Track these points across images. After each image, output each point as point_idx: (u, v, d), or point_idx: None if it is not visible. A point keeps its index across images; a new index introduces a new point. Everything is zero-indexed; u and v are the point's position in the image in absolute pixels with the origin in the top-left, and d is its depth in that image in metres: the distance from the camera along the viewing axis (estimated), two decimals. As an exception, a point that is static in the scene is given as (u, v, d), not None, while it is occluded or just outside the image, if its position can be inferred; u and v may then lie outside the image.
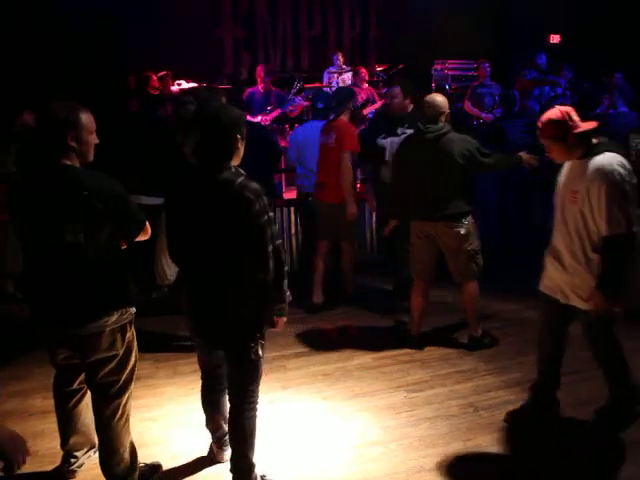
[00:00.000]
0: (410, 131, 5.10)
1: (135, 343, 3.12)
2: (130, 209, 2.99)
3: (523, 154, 4.69)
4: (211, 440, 3.47)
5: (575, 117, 3.35)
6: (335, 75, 9.55)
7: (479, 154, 4.49)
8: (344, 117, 5.51)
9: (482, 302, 4.94)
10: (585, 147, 3.36)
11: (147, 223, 3.09)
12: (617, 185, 3.21)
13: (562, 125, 3.33)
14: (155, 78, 8.02)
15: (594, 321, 3.43)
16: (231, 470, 3.15)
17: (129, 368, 3.09)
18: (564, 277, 3.51)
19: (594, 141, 3.38)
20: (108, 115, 5.47)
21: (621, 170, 3.23)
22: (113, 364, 3.01)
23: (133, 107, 7.49)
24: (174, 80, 8.53)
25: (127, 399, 3.12)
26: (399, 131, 5.37)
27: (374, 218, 6.93)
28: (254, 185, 2.83)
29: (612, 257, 3.29)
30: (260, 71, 8.26)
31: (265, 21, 11.17)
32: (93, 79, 7.62)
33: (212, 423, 3.40)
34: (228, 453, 3.40)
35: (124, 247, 3.05)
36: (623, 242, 3.26)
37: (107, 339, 2.94)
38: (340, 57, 9.77)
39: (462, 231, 4.55)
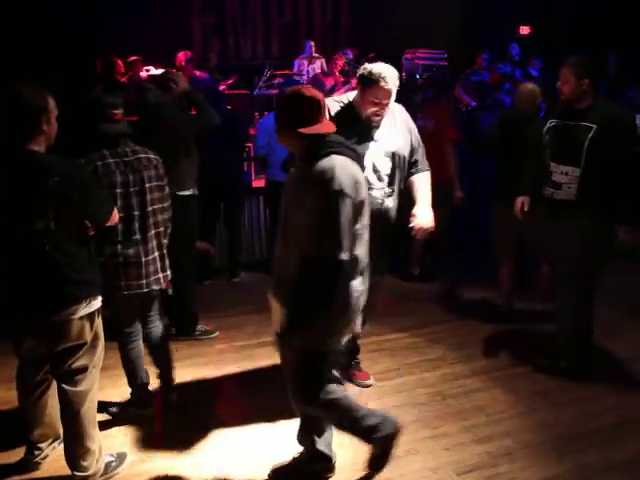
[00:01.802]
0: None
1: (102, 332, 3.10)
2: (98, 194, 3.00)
3: None
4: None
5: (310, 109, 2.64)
6: (305, 63, 9.49)
7: None
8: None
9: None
10: (309, 149, 2.71)
11: (115, 209, 3.12)
12: (333, 197, 2.58)
13: (284, 110, 2.73)
14: (121, 63, 7.89)
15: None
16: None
17: (96, 357, 3.07)
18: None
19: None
20: (72, 101, 5.40)
21: (342, 179, 2.60)
22: (80, 353, 2.99)
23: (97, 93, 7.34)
24: (143, 66, 8.41)
25: (94, 389, 3.10)
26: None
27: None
28: None
29: (304, 286, 2.65)
30: (180, 58, 7.98)
31: (235, 7, 11.05)
32: (61, 66, 7.47)
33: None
34: None
35: (92, 234, 3.02)
36: (325, 268, 2.61)
37: (76, 327, 2.92)
38: (313, 45, 9.71)
39: None
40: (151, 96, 4.46)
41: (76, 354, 2.98)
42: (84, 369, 3.02)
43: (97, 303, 3.01)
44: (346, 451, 3.36)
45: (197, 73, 8.01)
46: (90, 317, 2.97)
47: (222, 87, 7.89)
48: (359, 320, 2.95)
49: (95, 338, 3.03)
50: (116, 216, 3.14)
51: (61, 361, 2.99)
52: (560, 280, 4.25)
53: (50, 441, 3.32)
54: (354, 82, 8.28)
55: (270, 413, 3.83)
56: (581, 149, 3.93)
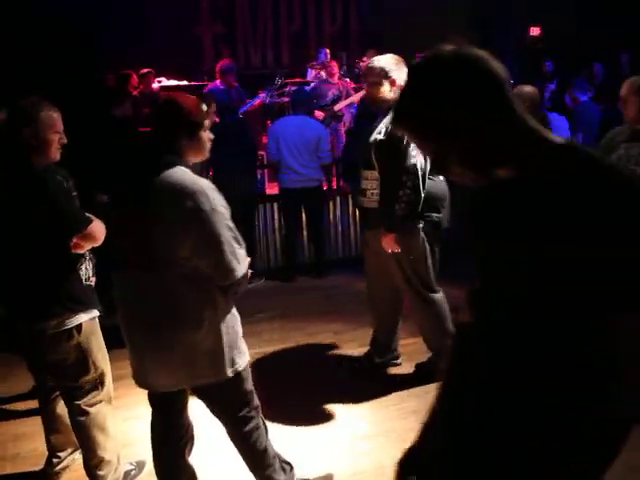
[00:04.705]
0: None
1: (93, 349, 2.99)
2: (66, 210, 2.85)
3: None
4: None
5: None
6: (318, 69, 9.49)
7: None
8: None
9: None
10: None
11: (93, 228, 2.89)
12: None
13: None
14: (135, 76, 7.96)
15: None
16: None
17: (89, 374, 3.00)
18: None
19: None
20: (88, 115, 5.44)
21: None
22: (66, 368, 2.95)
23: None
24: (155, 78, 8.48)
25: (95, 401, 3.04)
26: None
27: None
28: None
29: None
30: (217, 68, 8.06)
31: (245, 16, 11.10)
32: (72, 79, 7.54)
33: None
34: None
35: (81, 250, 2.93)
36: None
37: (50, 342, 2.88)
38: (328, 52, 9.73)
39: None
40: None
41: (61, 368, 2.95)
42: (76, 385, 2.98)
43: (77, 319, 2.90)
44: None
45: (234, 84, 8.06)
46: (67, 334, 2.88)
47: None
48: None
49: (81, 356, 2.95)
50: (96, 236, 2.91)
51: (52, 374, 3.02)
52: None
53: (70, 451, 3.32)
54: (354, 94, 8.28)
55: (286, 421, 3.82)
56: None
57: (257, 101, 8.16)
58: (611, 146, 3.93)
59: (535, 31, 11.38)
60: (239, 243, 2.42)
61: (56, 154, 2.89)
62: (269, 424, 3.71)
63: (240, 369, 2.61)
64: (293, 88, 8.55)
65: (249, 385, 2.74)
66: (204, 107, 2.54)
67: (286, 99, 8.64)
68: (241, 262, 2.42)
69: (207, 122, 2.52)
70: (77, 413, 3.02)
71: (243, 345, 2.66)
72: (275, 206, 6.81)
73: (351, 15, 11.80)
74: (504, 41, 10.97)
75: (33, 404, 3.27)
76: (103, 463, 3.07)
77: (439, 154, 1.41)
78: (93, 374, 3.02)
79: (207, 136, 2.53)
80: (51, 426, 3.24)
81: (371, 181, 3.94)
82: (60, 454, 3.28)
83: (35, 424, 3.29)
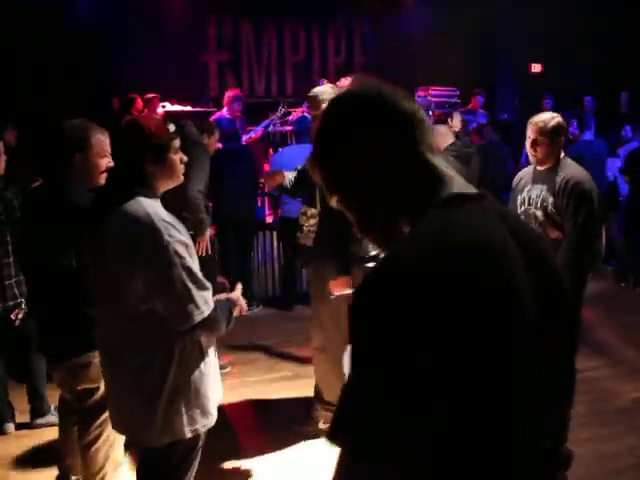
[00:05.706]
0: None
1: None
2: None
3: None
4: None
5: None
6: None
7: None
8: None
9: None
10: None
11: None
12: None
13: None
14: (140, 100, 8.01)
15: None
16: None
17: None
18: None
19: None
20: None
21: None
22: (99, 395, 2.92)
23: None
24: (160, 102, 8.53)
25: (110, 428, 3.01)
26: None
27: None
28: None
29: None
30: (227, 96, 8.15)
31: (249, 45, 11.23)
32: (79, 102, 7.59)
33: None
34: None
35: None
36: None
37: (94, 371, 2.83)
38: (325, 83, 9.81)
39: None
40: (192, 131, 4.67)
41: (94, 395, 2.92)
42: (101, 411, 2.91)
43: None
44: None
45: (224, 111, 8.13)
46: None
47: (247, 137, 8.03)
48: None
49: None
50: None
51: (80, 398, 2.96)
52: None
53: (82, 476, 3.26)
54: None
55: (283, 449, 3.80)
56: None
57: (259, 131, 8.23)
58: (519, 188, 3.91)
59: (537, 68, 11.51)
60: (198, 284, 2.16)
61: (102, 179, 2.79)
62: (258, 453, 3.68)
63: (201, 431, 2.34)
64: (296, 117, 8.63)
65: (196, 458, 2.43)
66: (171, 127, 2.30)
67: (289, 128, 8.71)
68: (201, 305, 2.15)
69: (176, 143, 2.30)
70: (92, 437, 2.95)
71: (210, 405, 2.37)
72: (274, 234, 6.83)
73: (355, 46, 11.92)
74: (505, 77, 11.09)
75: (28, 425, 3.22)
76: None
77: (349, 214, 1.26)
78: None
79: (179, 158, 2.31)
80: (66, 446, 3.18)
81: (309, 218, 3.81)
82: (72, 476, 3.23)
83: (29, 446, 3.24)
